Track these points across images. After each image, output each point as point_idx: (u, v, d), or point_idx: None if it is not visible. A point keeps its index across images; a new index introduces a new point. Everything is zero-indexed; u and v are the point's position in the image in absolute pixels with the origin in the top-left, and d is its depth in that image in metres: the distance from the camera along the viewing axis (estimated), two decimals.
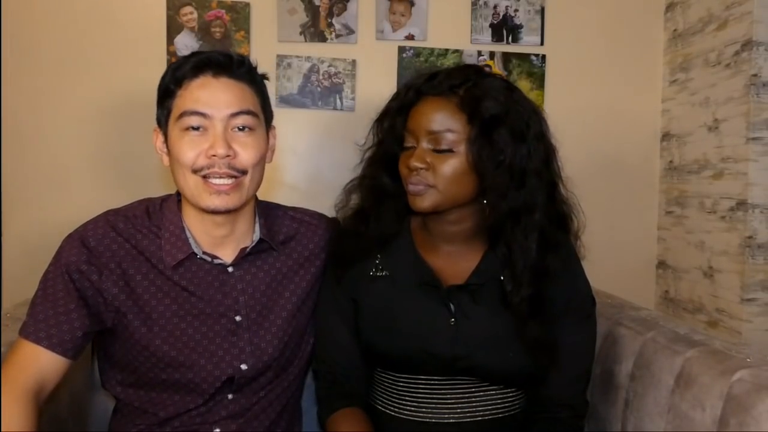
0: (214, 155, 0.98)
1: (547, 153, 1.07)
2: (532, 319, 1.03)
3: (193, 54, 1.05)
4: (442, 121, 1.02)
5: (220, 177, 1.00)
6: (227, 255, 1.08)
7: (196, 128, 1.00)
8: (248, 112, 1.02)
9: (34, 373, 0.96)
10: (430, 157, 1.03)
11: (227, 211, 1.03)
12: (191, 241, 1.06)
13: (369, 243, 1.11)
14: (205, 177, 1.00)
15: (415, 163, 1.02)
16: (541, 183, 1.05)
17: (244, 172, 1.02)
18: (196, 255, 1.06)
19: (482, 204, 1.08)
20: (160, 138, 1.06)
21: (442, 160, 1.02)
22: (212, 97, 1.00)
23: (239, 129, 1.02)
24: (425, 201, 1.04)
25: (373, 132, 1.15)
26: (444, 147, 1.02)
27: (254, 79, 1.06)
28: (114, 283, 1.02)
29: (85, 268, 1.01)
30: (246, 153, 1.01)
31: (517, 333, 1.04)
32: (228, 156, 0.99)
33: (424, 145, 1.03)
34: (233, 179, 1.00)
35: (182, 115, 1.00)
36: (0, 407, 0.90)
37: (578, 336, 1.09)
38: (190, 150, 0.99)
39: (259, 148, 1.04)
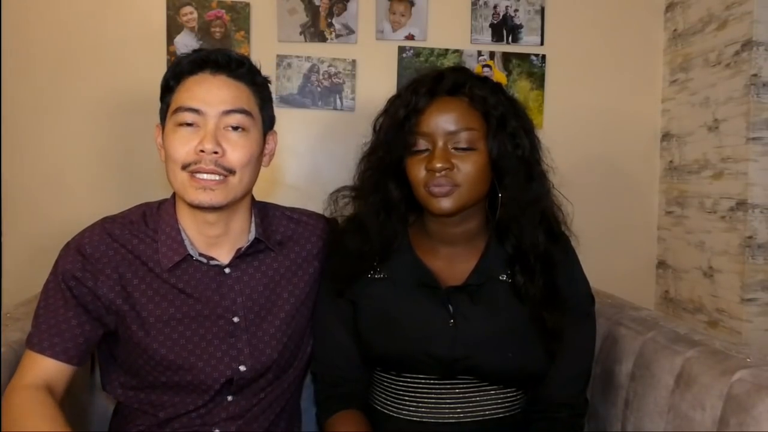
0: (202, 151, 0.98)
1: (539, 145, 1.11)
2: (547, 309, 1.04)
3: (194, 51, 1.05)
4: (460, 120, 1.03)
5: (207, 173, 0.99)
6: (223, 256, 1.08)
7: (189, 124, 1.00)
8: (242, 111, 1.02)
9: (42, 379, 0.98)
10: (452, 157, 1.03)
11: (212, 208, 1.02)
12: (187, 242, 1.05)
13: (371, 258, 1.11)
14: (192, 173, 1.00)
15: (440, 164, 1.01)
16: (543, 174, 1.09)
17: (231, 172, 1.01)
18: (192, 257, 1.06)
19: (485, 203, 1.10)
20: (161, 134, 1.07)
21: (465, 158, 1.03)
22: (207, 93, 1.00)
23: (232, 128, 1.01)
24: (450, 202, 1.03)
25: (374, 139, 1.13)
26: (466, 145, 1.03)
27: (254, 81, 1.06)
28: (110, 288, 1.02)
29: (80, 275, 1.01)
30: (235, 153, 1.01)
31: (534, 325, 1.05)
32: (216, 153, 0.98)
33: (443, 145, 1.03)
34: (220, 176, 1.00)
35: (177, 110, 1.01)
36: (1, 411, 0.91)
37: (577, 334, 1.09)
38: (181, 146, 0.99)
39: (250, 149, 1.03)
